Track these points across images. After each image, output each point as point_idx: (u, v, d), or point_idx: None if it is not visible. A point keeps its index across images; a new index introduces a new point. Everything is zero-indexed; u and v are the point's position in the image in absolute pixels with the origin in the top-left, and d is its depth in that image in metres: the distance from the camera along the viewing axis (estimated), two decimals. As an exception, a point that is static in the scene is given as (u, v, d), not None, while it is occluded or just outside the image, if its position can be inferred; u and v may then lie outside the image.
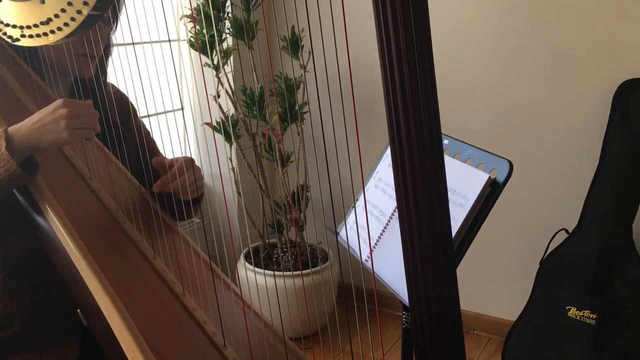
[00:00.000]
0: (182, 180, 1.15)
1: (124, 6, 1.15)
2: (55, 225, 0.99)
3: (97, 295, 0.94)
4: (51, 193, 1.02)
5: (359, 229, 1.17)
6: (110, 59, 1.26)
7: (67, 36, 1.00)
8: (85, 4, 0.96)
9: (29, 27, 1.01)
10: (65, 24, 0.99)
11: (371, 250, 1.12)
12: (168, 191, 1.17)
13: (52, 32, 1.00)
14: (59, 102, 0.99)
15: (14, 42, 1.05)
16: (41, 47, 1.09)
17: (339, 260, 2.30)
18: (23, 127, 0.99)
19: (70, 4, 0.96)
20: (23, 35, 1.03)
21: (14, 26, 1.02)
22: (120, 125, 1.21)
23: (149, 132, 1.35)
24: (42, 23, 1.00)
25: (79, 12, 0.97)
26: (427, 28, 0.63)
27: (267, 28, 2.32)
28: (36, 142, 0.99)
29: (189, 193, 1.18)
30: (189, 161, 1.18)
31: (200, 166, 1.24)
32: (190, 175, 1.17)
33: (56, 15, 0.98)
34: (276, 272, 2.28)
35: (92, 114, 1.02)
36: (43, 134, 0.98)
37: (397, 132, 0.65)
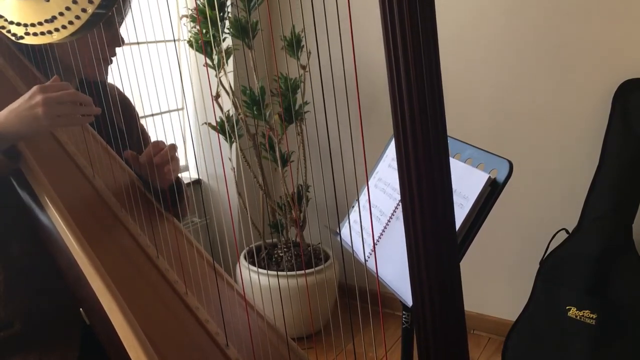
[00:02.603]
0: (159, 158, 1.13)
1: (129, 7, 1.15)
2: (58, 224, 0.99)
3: (100, 294, 0.94)
4: (54, 192, 1.02)
5: (361, 229, 1.18)
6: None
7: (72, 34, 1.00)
8: (91, 2, 0.96)
9: (33, 24, 1.01)
10: (70, 22, 0.98)
11: (374, 248, 1.12)
12: (150, 163, 1.14)
13: (57, 30, 1.00)
14: (34, 88, 0.96)
15: (18, 39, 1.05)
16: (47, 46, 1.09)
17: (342, 259, 2.30)
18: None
19: (75, 2, 0.96)
20: (27, 33, 1.02)
21: (18, 24, 1.02)
22: (124, 128, 1.21)
23: (149, 137, 1.36)
24: (46, 21, 1.00)
25: (84, 10, 0.97)
26: (433, 24, 0.63)
27: (267, 28, 2.32)
28: (13, 131, 0.96)
29: (164, 176, 1.16)
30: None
31: (204, 166, 1.24)
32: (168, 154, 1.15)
33: (61, 13, 0.98)
34: (277, 272, 2.28)
35: (70, 98, 0.97)
36: (19, 122, 0.96)
37: (400, 118, 0.64)
